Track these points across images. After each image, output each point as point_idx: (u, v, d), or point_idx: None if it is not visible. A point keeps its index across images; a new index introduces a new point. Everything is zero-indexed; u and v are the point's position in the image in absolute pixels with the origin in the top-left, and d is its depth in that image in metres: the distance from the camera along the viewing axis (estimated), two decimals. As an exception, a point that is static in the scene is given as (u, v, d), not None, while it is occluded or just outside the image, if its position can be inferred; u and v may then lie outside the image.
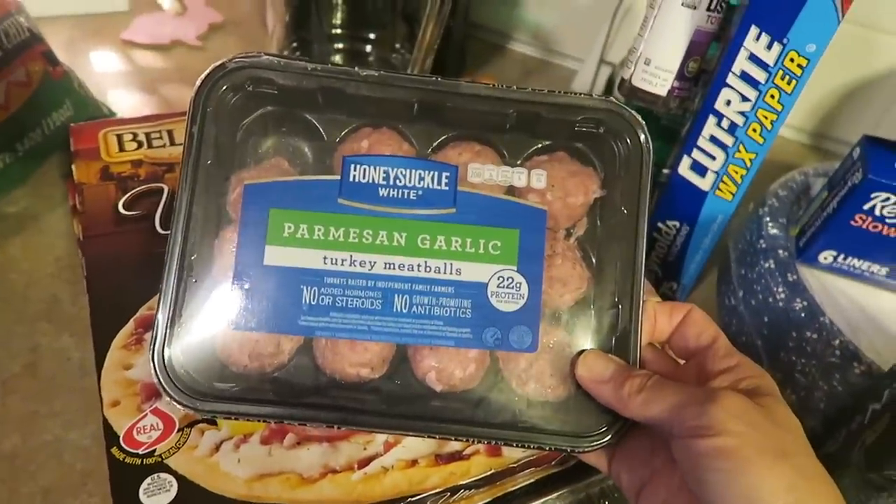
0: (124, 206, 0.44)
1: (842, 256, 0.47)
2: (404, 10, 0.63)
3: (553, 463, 0.37)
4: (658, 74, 0.45)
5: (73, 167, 0.46)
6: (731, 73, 0.42)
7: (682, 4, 0.43)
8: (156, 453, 0.33)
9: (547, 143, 0.34)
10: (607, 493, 0.39)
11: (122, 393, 0.36)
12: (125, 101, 0.64)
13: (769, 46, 0.40)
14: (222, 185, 0.32)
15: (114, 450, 0.33)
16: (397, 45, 0.65)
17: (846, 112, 0.71)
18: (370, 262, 0.31)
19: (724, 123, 0.43)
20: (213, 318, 0.31)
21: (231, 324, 0.31)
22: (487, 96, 0.33)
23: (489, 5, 0.79)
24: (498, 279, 0.32)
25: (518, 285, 0.32)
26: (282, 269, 0.31)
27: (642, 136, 0.33)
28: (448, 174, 0.32)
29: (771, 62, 0.40)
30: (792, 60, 0.40)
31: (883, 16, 0.63)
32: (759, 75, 0.41)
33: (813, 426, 0.42)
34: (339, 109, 0.33)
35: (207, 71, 0.31)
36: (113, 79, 0.67)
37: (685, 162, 0.46)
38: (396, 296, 0.31)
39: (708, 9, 0.43)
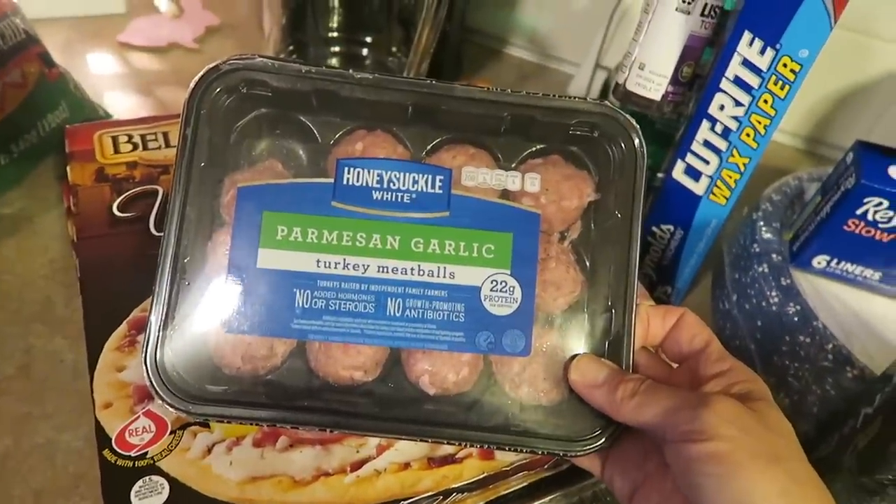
0: (119, 208, 0.44)
1: (835, 261, 0.47)
2: (400, 14, 0.64)
3: (546, 466, 0.37)
4: (652, 79, 0.46)
5: (68, 169, 0.46)
6: (724, 78, 0.42)
7: (677, 9, 0.43)
8: (148, 455, 0.33)
9: (541, 146, 0.34)
10: (600, 496, 0.39)
11: (114, 395, 0.36)
12: (121, 104, 0.64)
13: (762, 52, 0.40)
14: (216, 187, 0.32)
15: (105, 452, 0.33)
16: (393, 49, 0.65)
17: (840, 117, 0.71)
18: (363, 266, 0.31)
19: (718, 128, 0.43)
20: (205, 321, 0.31)
21: (224, 327, 0.31)
22: (482, 99, 0.33)
23: (485, 10, 0.79)
24: (491, 283, 0.32)
25: (511, 289, 0.32)
26: (275, 273, 0.31)
27: (637, 140, 0.33)
28: (442, 178, 0.32)
29: (764, 67, 0.40)
30: (785, 66, 0.40)
31: (876, 21, 0.64)
32: (753, 80, 0.41)
33: (806, 430, 0.42)
34: (334, 112, 0.33)
35: (201, 73, 0.31)
36: (109, 81, 0.67)
37: (679, 166, 0.46)
38: (390, 299, 0.31)
39: (702, 14, 0.43)
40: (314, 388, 0.32)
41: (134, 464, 0.33)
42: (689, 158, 0.45)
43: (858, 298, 0.48)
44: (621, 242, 0.33)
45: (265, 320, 0.31)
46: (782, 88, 0.40)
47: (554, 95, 0.33)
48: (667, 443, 0.28)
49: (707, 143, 0.44)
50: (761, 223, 0.49)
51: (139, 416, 0.35)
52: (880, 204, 0.43)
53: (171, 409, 0.30)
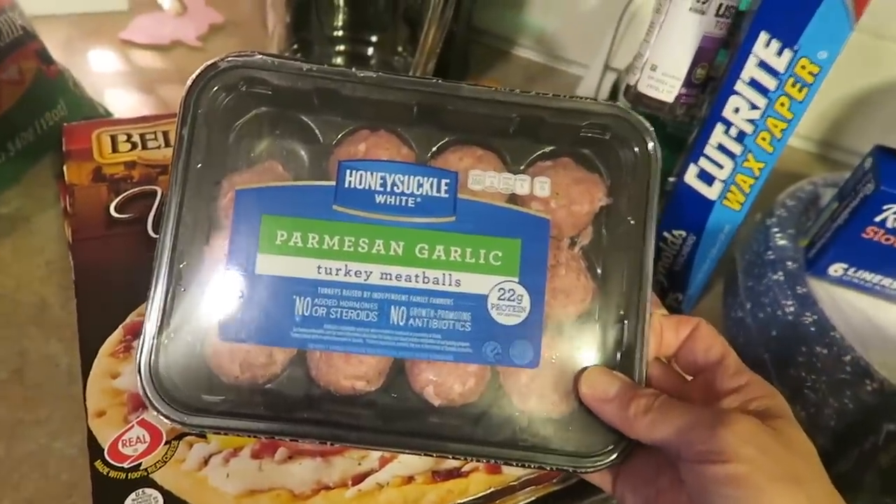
0: (116, 209, 0.43)
1: (852, 269, 0.46)
2: (406, 13, 0.62)
3: (555, 481, 0.36)
4: (665, 81, 0.44)
5: (65, 168, 0.45)
6: (739, 80, 0.40)
7: (690, 9, 0.42)
8: (141, 467, 0.32)
9: (551, 148, 0.33)
10: (610, 512, 0.37)
11: (108, 403, 0.35)
12: (122, 102, 0.63)
13: (779, 53, 0.39)
14: (213, 189, 0.31)
15: (97, 463, 0.32)
16: (399, 49, 0.64)
17: (855, 121, 0.70)
18: (366, 273, 0.30)
19: (733, 132, 0.42)
20: (202, 329, 0.30)
21: (221, 335, 0.30)
22: (489, 100, 0.32)
23: (492, 9, 0.78)
24: (499, 291, 0.31)
25: (519, 298, 0.31)
26: (274, 279, 0.30)
27: (650, 144, 0.32)
28: (448, 181, 0.31)
29: (781, 69, 0.39)
30: (803, 68, 0.39)
31: (892, 23, 0.62)
32: (769, 83, 0.40)
33: (823, 444, 0.41)
34: (336, 111, 0.32)
35: (199, 70, 0.30)
36: (111, 79, 0.66)
37: (692, 170, 0.45)
38: (393, 308, 0.30)
39: (716, 14, 0.42)
40: (315, 397, 0.31)
41: (127, 476, 0.32)
42: (703, 162, 0.44)
43: (877, 308, 0.46)
44: (634, 249, 0.32)
45: (264, 329, 0.30)
46: (800, 91, 0.39)
47: (564, 96, 0.32)
48: (682, 461, 0.26)
49: (721, 147, 0.43)
50: (776, 229, 0.48)
51: (133, 426, 0.34)
52: (901, 211, 0.42)
53: (165, 420, 0.29)
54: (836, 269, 0.46)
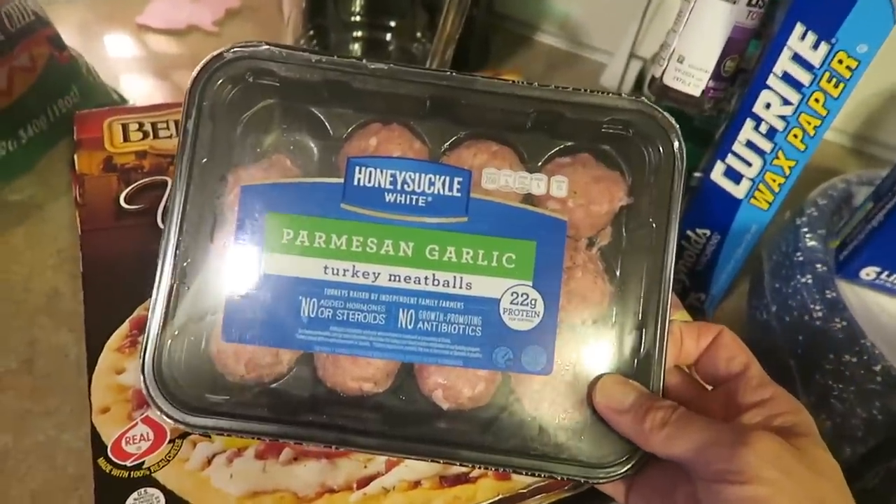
0: (126, 200, 0.42)
1: (886, 273, 0.44)
2: (425, -3, 0.61)
3: (566, 488, 0.35)
4: (692, 73, 0.42)
5: (76, 157, 0.45)
6: (772, 74, 0.38)
7: (722, -2, 0.40)
8: (144, 465, 0.32)
9: (570, 144, 0.32)
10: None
11: (112, 399, 0.34)
12: (137, 88, 0.63)
13: (815, 46, 0.37)
14: (219, 184, 0.30)
15: (100, 461, 0.32)
16: (418, 35, 0.63)
17: (892, 114, 0.67)
18: (374, 274, 0.29)
19: (763, 128, 0.40)
20: (206, 327, 0.29)
21: (224, 335, 0.29)
22: (505, 93, 0.30)
23: (515, -6, 0.76)
24: (511, 295, 0.30)
25: (533, 302, 0.30)
26: (280, 279, 0.29)
27: (676, 143, 0.30)
28: (460, 179, 0.30)
29: (817, 63, 0.37)
30: (840, 62, 0.36)
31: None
32: (804, 77, 0.38)
33: (848, 457, 0.39)
34: (346, 104, 0.31)
35: (204, 61, 0.29)
36: (126, 64, 0.66)
37: (718, 167, 0.43)
38: (401, 310, 0.29)
39: (748, 4, 0.40)
40: (321, 398, 0.30)
41: (130, 474, 0.31)
42: (730, 160, 0.42)
43: (910, 314, 0.44)
44: (654, 253, 0.31)
45: (269, 329, 0.29)
46: (836, 86, 0.37)
47: (585, 90, 0.30)
48: (699, 479, 0.25)
49: (750, 144, 0.41)
50: (805, 229, 0.46)
51: (137, 423, 0.33)
52: (941, 213, 0.40)
53: (168, 419, 0.29)
54: (868, 272, 0.44)
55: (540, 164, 0.32)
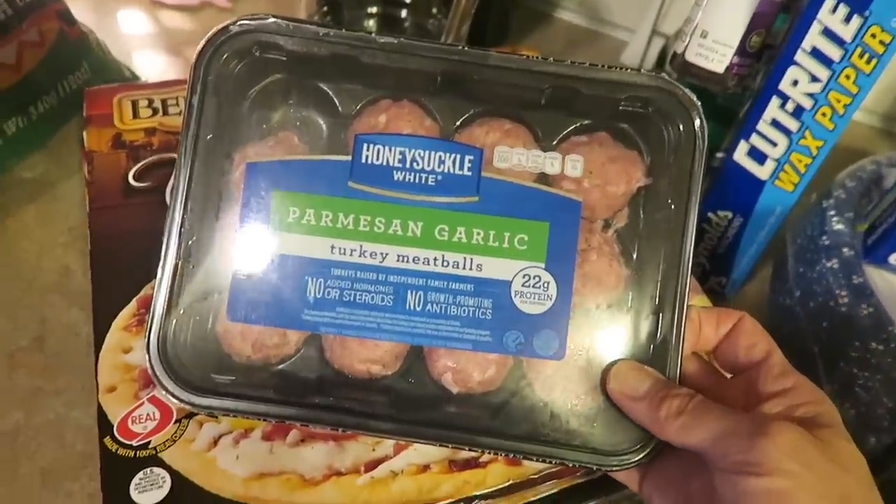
0: (134, 177, 0.42)
1: (915, 258, 0.42)
2: (442, -28, 0.59)
3: (578, 474, 0.34)
4: (716, 49, 0.41)
5: (85, 134, 0.44)
6: (800, 50, 0.37)
7: (749, -31, 0.38)
8: (150, 445, 0.32)
9: (586, 122, 0.31)
10: (636, 509, 0.36)
11: (119, 378, 0.34)
12: (150, 64, 0.62)
13: (847, 20, 0.35)
14: (224, 162, 0.29)
15: (107, 440, 0.32)
16: (434, 10, 0.61)
17: (925, 94, 0.65)
18: (382, 254, 0.28)
19: (790, 106, 0.38)
20: (212, 307, 0.29)
21: (230, 315, 0.29)
22: (519, 69, 0.29)
23: (534, -31, 0.74)
24: (523, 277, 0.29)
25: (545, 285, 0.29)
26: (285, 258, 0.28)
27: (697, 121, 0.29)
28: (472, 158, 0.29)
29: (848, 38, 0.35)
30: (874, 36, 0.35)
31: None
32: (834, 53, 0.36)
33: (873, 447, 0.38)
34: (355, 79, 0.30)
35: (209, 35, 0.28)
36: (139, 40, 0.65)
37: (742, 147, 0.41)
38: (409, 292, 0.28)
39: (778, -26, 0.38)
40: (328, 380, 0.30)
41: (135, 454, 0.31)
42: (754, 139, 0.41)
43: (940, 302, 0.42)
44: (673, 236, 0.30)
45: (274, 310, 0.29)
46: (868, 62, 0.36)
47: (602, 66, 0.29)
48: (717, 469, 0.24)
49: (775, 123, 0.39)
50: (832, 212, 0.44)
51: (143, 403, 0.33)
52: (975, 197, 0.38)
53: (174, 399, 0.28)
54: (896, 257, 0.42)
55: (555, 142, 0.30)
